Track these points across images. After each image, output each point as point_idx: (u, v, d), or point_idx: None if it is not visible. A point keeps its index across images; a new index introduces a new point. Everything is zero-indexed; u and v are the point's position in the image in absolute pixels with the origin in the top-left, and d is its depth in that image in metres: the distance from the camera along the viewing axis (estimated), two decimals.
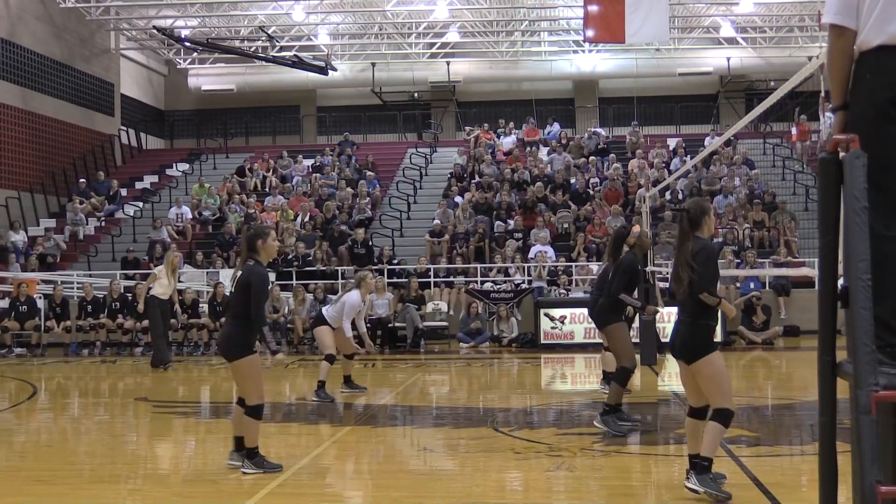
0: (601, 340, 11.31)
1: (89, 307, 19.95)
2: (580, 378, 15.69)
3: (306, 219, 25.12)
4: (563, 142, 29.87)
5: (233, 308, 7.56)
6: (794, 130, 28.03)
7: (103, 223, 27.26)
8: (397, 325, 19.90)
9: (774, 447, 8.27)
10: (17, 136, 27.40)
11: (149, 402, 12.17)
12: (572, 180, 26.30)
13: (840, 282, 3.37)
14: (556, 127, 31.49)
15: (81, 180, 28.78)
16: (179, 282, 21.59)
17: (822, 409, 3.45)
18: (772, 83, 32.17)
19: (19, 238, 24.73)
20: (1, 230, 25.31)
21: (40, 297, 20.96)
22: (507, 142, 30.25)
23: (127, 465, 8.28)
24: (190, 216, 26.29)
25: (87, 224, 26.79)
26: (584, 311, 19.12)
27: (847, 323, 3.20)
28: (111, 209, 27.90)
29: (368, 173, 28.56)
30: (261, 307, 7.41)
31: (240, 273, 7.47)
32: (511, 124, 31.38)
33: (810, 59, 26.03)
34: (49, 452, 8.83)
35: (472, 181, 27.16)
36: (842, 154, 3.33)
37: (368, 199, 26.46)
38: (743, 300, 19.21)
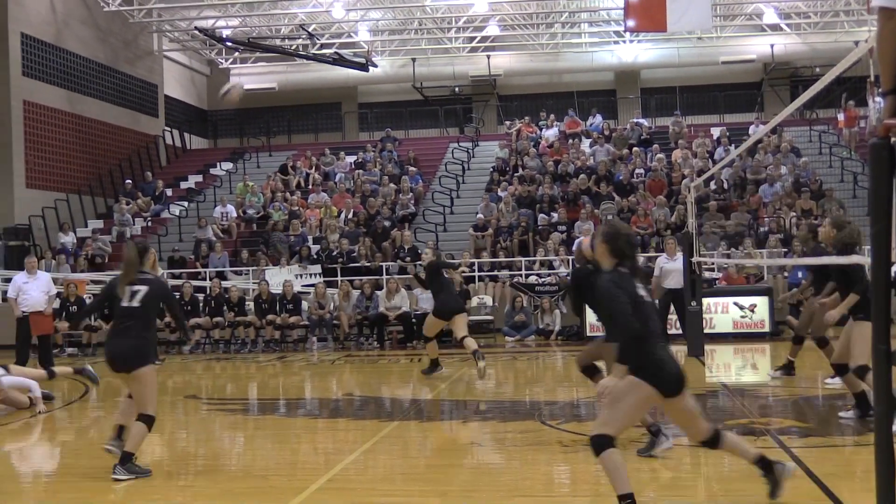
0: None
1: None
2: None
3: (350, 215, 25.22)
4: (606, 133, 29.70)
5: (141, 318, 7.49)
6: (841, 116, 27.62)
7: (149, 223, 27.58)
8: None
9: (827, 437, 8.16)
10: (64, 138, 27.81)
11: (198, 399, 12.28)
12: (616, 172, 26.15)
13: (893, 269, 3.31)
14: (598, 118, 31.29)
15: (128, 181, 29.15)
16: (224, 279, 21.86)
17: (878, 399, 3.39)
18: (817, 69, 31.69)
19: (68, 239, 25.11)
20: (50, 232, 25.75)
21: (90, 298, 21.25)
22: (549, 134, 30.13)
23: (177, 461, 8.37)
24: (234, 215, 26.49)
25: (133, 224, 27.11)
26: None
27: None
28: (157, 209, 28.22)
29: (411, 169, 28.61)
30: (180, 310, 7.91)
31: (143, 288, 7.48)
32: (552, 116, 31.26)
33: (857, 43, 25.63)
34: (101, 450, 8.94)
35: (515, 174, 27.10)
36: (893, 139, 3.28)
37: (411, 194, 26.50)
38: (790, 296, 18.88)
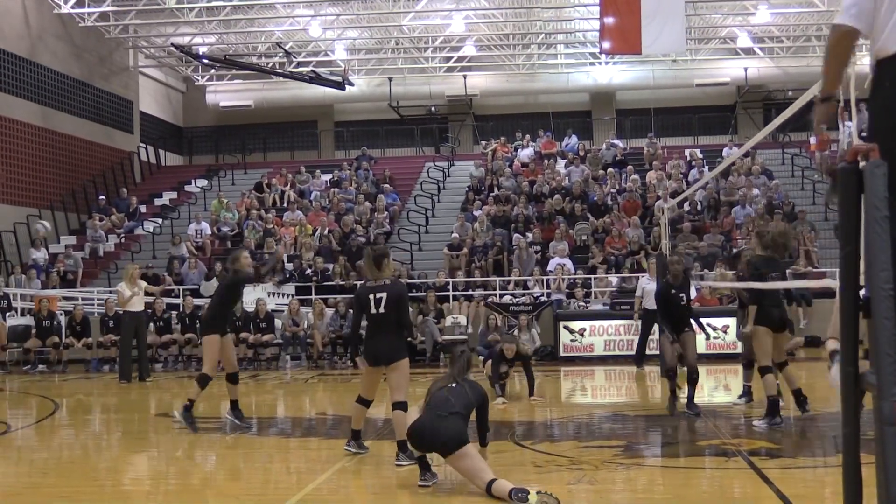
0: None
1: (110, 323, 19.99)
2: (600, 391, 15.64)
3: (325, 233, 25.18)
4: (581, 154, 29.84)
5: (389, 321, 8.24)
6: (812, 140, 27.89)
7: (123, 240, 27.42)
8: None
9: (797, 459, 8.20)
10: (37, 154, 27.62)
11: (170, 417, 12.18)
12: (590, 192, 26.26)
13: (862, 292, 3.34)
14: (573, 139, 31.45)
15: (101, 197, 28.99)
16: (200, 296, 21.75)
17: (846, 421, 3.42)
18: (790, 93, 32.02)
19: (40, 255, 24.90)
20: (22, 248, 25.52)
21: (61, 314, 21.09)
22: (525, 154, 30.23)
23: (148, 480, 8.30)
24: (209, 232, 26.39)
25: (106, 241, 26.94)
26: (603, 322, 19.18)
27: (869, 333, 3.17)
28: (130, 226, 28.06)
29: (386, 187, 28.62)
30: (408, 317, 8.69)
31: (384, 294, 8.20)
32: (527, 137, 31.39)
33: None
34: (71, 469, 8.86)
35: (490, 194, 27.16)
36: (862, 163, 3.31)
37: (387, 213, 26.50)
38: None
